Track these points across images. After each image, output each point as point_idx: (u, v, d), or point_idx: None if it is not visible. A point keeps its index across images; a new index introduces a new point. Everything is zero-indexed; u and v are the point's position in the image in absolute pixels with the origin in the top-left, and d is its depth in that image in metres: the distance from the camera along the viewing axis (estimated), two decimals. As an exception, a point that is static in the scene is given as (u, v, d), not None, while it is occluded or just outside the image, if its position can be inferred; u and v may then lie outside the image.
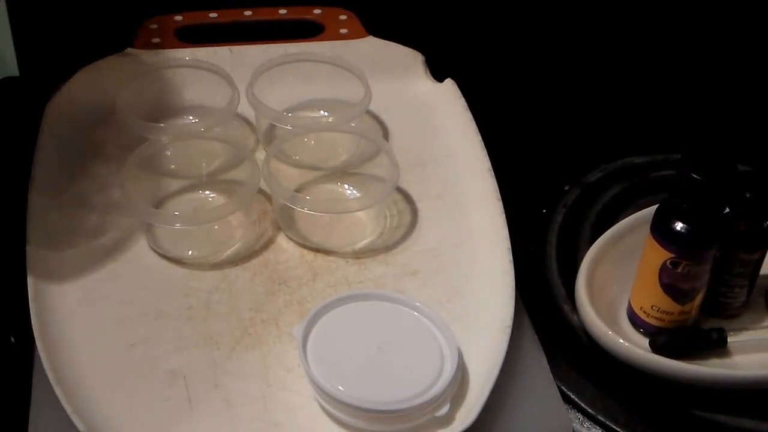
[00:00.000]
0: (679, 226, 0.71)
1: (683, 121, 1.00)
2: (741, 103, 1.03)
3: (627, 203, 0.88)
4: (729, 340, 0.74)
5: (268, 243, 0.79)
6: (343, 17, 0.97)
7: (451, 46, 1.01)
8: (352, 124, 0.86)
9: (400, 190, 0.84)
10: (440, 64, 0.94)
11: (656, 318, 0.75)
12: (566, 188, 0.90)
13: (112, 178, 0.82)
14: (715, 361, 0.74)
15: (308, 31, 0.96)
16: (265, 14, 0.96)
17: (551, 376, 0.72)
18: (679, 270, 0.72)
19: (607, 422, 0.72)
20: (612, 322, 0.76)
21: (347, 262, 0.78)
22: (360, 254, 0.79)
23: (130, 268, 0.76)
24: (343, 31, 0.95)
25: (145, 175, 0.82)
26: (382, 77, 0.90)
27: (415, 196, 0.84)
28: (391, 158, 0.80)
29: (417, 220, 0.82)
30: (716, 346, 0.74)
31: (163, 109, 0.89)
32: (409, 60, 0.94)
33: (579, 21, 1.05)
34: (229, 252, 0.78)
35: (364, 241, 0.80)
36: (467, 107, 0.89)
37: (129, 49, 0.92)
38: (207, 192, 0.83)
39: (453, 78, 0.93)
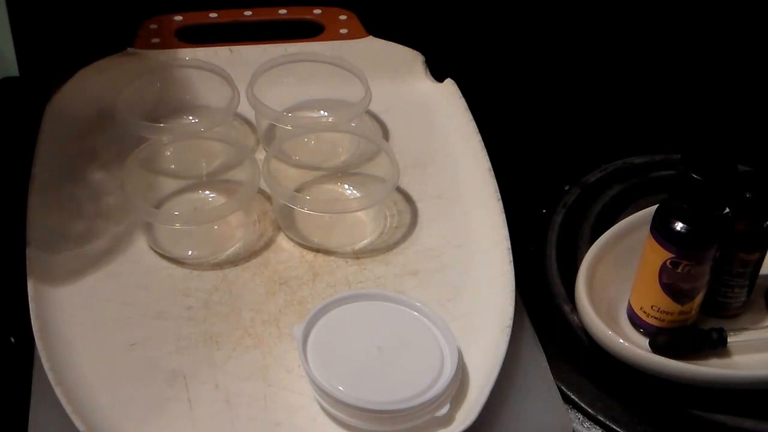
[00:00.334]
0: (679, 226, 0.71)
1: (683, 121, 1.00)
2: (741, 103, 1.03)
3: (627, 203, 0.88)
4: (729, 340, 0.74)
5: (268, 243, 0.79)
6: (343, 17, 0.97)
7: (451, 46, 1.01)
8: (352, 124, 0.86)
9: (400, 190, 0.84)
10: (440, 64, 0.94)
11: (656, 318, 0.75)
12: (566, 188, 0.91)
13: (112, 178, 0.82)
14: (715, 361, 0.74)
15: (308, 31, 0.96)
16: (265, 14, 0.96)
17: (551, 376, 0.72)
18: (679, 270, 0.72)
19: (607, 422, 0.72)
20: (612, 322, 0.76)
21: (347, 262, 0.78)
22: (360, 254, 0.79)
23: (130, 268, 0.77)
24: (343, 31, 0.95)
25: (145, 175, 0.82)
26: (382, 77, 0.90)
27: (415, 196, 0.84)
28: (391, 158, 0.80)
29: (417, 220, 0.82)
30: (716, 346, 0.74)
31: (163, 109, 0.89)
32: (409, 60, 0.94)
33: (579, 21, 1.05)
34: (229, 252, 0.78)
35: (364, 241, 0.80)
36: (467, 107, 0.89)
37: (129, 49, 0.92)
38: (207, 192, 0.83)
39: (453, 78, 0.93)
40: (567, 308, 0.79)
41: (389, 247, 0.80)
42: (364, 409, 0.65)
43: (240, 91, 0.85)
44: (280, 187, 0.78)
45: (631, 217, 0.82)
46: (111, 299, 0.74)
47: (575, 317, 0.78)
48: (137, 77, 0.87)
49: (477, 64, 1.01)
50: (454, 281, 0.77)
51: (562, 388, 0.73)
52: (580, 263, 0.79)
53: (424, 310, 0.71)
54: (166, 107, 0.89)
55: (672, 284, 0.73)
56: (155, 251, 0.78)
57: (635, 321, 0.76)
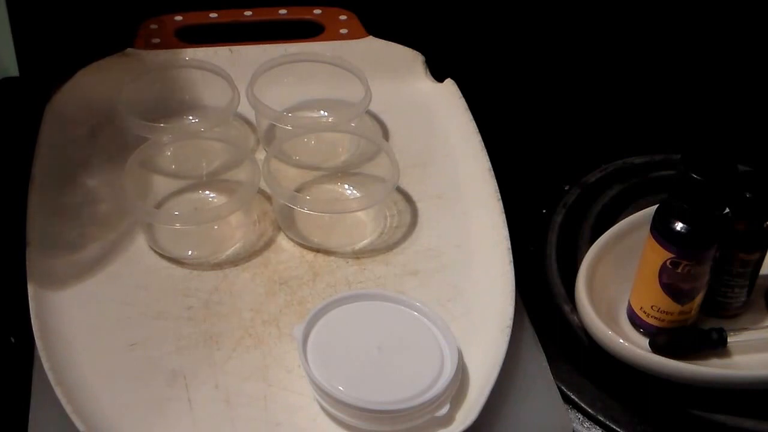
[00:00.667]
0: (679, 226, 0.71)
1: (683, 121, 1.00)
2: (741, 103, 1.03)
3: (627, 203, 0.88)
4: (729, 340, 0.74)
5: (269, 243, 0.79)
6: (343, 17, 0.97)
7: (451, 47, 1.01)
8: (352, 124, 0.86)
9: (400, 190, 0.84)
10: (440, 64, 0.94)
11: (656, 318, 0.75)
12: (566, 188, 0.91)
13: (112, 179, 0.82)
14: (715, 361, 0.74)
15: (308, 31, 0.96)
16: (265, 14, 0.96)
17: (551, 376, 0.72)
18: (679, 270, 0.72)
19: (607, 422, 0.72)
20: (612, 322, 0.76)
21: (347, 262, 0.78)
22: (360, 254, 0.79)
23: (130, 268, 0.76)
24: (343, 31, 0.95)
25: (146, 175, 0.82)
26: (382, 77, 0.90)
27: (415, 196, 0.84)
28: (391, 158, 0.80)
29: (417, 220, 0.82)
30: (716, 346, 0.74)
31: (163, 109, 0.89)
32: (409, 60, 0.94)
33: (579, 21, 1.05)
34: (229, 252, 0.78)
35: (364, 241, 0.80)
36: (467, 107, 0.89)
37: (129, 49, 0.92)
38: (207, 192, 0.83)
39: (453, 78, 0.93)
40: (567, 308, 0.79)
41: (389, 247, 0.80)
42: (364, 409, 0.65)
43: (240, 91, 0.85)
44: (280, 187, 0.78)
45: (631, 217, 0.82)
46: (111, 299, 0.74)
47: (575, 317, 0.78)
48: (137, 77, 0.87)
49: (477, 64, 1.01)
50: (454, 281, 0.77)
51: (562, 388, 0.73)
52: (580, 263, 0.79)
53: (424, 310, 0.71)
54: (166, 107, 0.89)
55: (672, 284, 0.73)
56: (155, 251, 0.78)
57: (635, 321, 0.76)
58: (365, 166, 0.86)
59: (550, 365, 0.72)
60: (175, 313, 0.73)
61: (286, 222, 0.80)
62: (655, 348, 0.74)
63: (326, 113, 0.91)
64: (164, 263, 0.77)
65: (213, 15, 0.96)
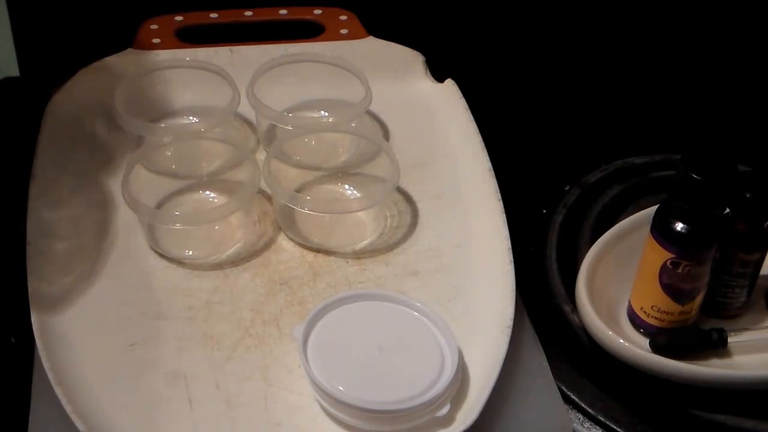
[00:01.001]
0: (679, 226, 0.71)
1: (683, 121, 1.00)
2: (741, 103, 1.03)
3: (627, 203, 0.88)
4: (729, 340, 0.74)
5: (269, 243, 0.79)
6: (343, 17, 0.97)
7: (452, 47, 1.01)
8: (353, 125, 0.86)
9: (400, 191, 0.84)
10: (440, 65, 0.94)
11: (656, 318, 0.75)
12: (566, 188, 0.91)
13: (112, 179, 0.82)
14: (715, 361, 0.74)
15: (308, 31, 0.96)
16: (266, 14, 0.96)
17: (551, 376, 0.72)
18: (680, 270, 0.72)
19: (608, 422, 0.72)
20: (612, 323, 0.76)
21: (347, 262, 0.78)
22: (360, 254, 0.79)
23: (131, 268, 0.77)
24: (344, 31, 0.95)
25: (146, 175, 0.82)
26: (382, 77, 0.90)
27: (415, 197, 0.84)
28: (392, 158, 0.80)
29: (417, 220, 0.82)
30: (716, 346, 0.74)
31: (163, 109, 0.89)
32: (409, 60, 0.94)
33: (579, 21, 1.05)
34: (229, 252, 0.78)
35: (365, 242, 0.80)
36: (467, 107, 0.89)
37: (129, 50, 0.92)
38: (207, 192, 0.83)
39: (453, 78, 0.93)
40: (567, 308, 0.79)
41: (390, 248, 0.80)
42: (364, 410, 0.65)
43: (240, 92, 0.85)
44: (281, 187, 0.78)
45: (631, 217, 0.82)
46: (111, 299, 0.74)
47: (575, 317, 0.78)
48: (137, 77, 0.87)
49: (477, 64, 1.01)
50: (454, 281, 0.77)
51: (563, 388, 0.73)
52: (581, 263, 0.79)
53: (424, 311, 0.71)
54: (167, 107, 0.89)
55: (672, 284, 0.73)
56: (156, 251, 0.78)
57: (635, 321, 0.76)
58: (365, 167, 0.86)
59: (550, 365, 0.72)
60: (176, 313, 0.73)
61: (287, 222, 0.80)
62: (656, 348, 0.74)
63: (326, 113, 0.91)
64: (164, 263, 0.77)
65: (213, 15, 0.96)
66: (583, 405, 0.73)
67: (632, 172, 0.92)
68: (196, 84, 0.89)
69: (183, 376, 0.69)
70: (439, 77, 0.94)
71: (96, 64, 0.90)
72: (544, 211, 0.88)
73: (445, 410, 0.66)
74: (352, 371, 0.67)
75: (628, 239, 0.80)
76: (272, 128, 0.87)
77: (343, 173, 0.86)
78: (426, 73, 0.94)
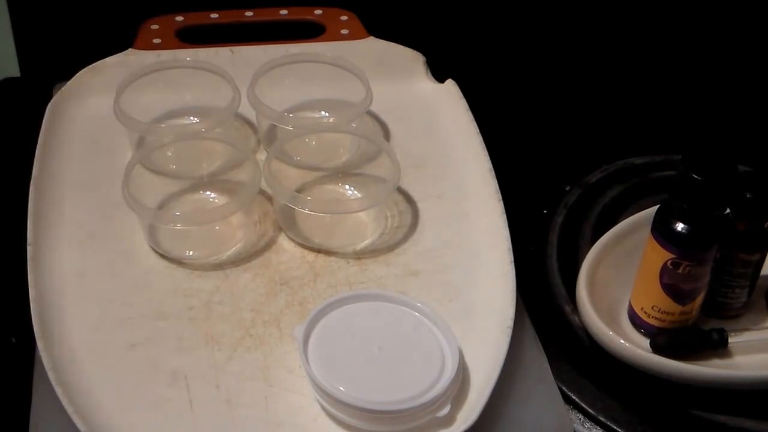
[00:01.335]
0: (679, 226, 0.71)
1: (683, 121, 1.00)
2: (741, 103, 1.03)
3: (627, 204, 0.88)
4: (730, 340, 0.74)
5: (269, 243, 0.79)
6: (344, 18, 0.97)
7: (452, 47, 1.01)
8: (353, 125, 0.86)
9: (401, 191, 0.84)
10: (441, 65, 0.94)
11: (657, 318, 0.75)
12: (567, 189, 0.91)
13: (112, 179, 0.81)
14: (715, 361, 0.74)
15: (309, 31, 0.96)
16: (266, 15, 0.96)
17: (552, 376, 0.72)
18: (680, 270, 0.72)
19: (608, 423, 0.72)
20: (613, 323, 0.76)
21: (348, 262, 0.78)
22: (361, 255, 0.79)
23: (131, 268, 0.76)
24: (344, 31, 0.95)
25: (146, 176, 0.82)
26: (383, 78, 0.90)
27: (416, 197, 0.84)
28: (392, 159, 0.80)
29: (418, 220, 0.82)
30: (717, 346, 0.74)
31: (164, 109, 0.89)
32: (410, 61, 0.94)
33: (579, 22, 1.05)
34: (230, 252, 0.78)
35: (365, 242, 0.80)
36: (468, 108, 0.89)
37: (130, 50, 0.92)
38: (208, 192, 0.83)
39: (454, 79, 0.93)
40: (568, 308, 0.79)
41: (390, 248, 0.80)
42: (365, 410, 0.65)
43: (241, 92, 0.85)
44: (281, 187, 0.78)
45: (631, 217, 0.82)
46: (112, 299, 0.74)
47: (576, 317, 0.78)
48: (138, 78, 0.86)
49: (478, 64, 1.01)
50: (454, 282, 0.77)
51: (563, 388, 0.73)
52: (581, 264, 0.79)
53: (425, 311, 0.71)
54: (167, 108, 0.89)
55: (673, 285, 0.73)
56: (156, 252, 0.78)
57: (636, 321, 0.77)
58: (366, 167, 0.86)
59: (550, 365, 0.72)
60: (176, 314, 0.73)
61: (287, 222, 0.80)
62: (656, 348, 0.74)
63: (327, 114, 0.91)
64: (165, 263, 0.77)
65: (214, 15, 0.96)
66: (583, 405, 0.73)
67: (633, 173, 0.92)
68: (197, 84, 0.89)
69: (183, 377, 0.69)
70: (440, 77, 0.94)
71: (97, 65, 0.90)
72: (545, 211, 0.88)
73: (445, 410, 0.66)
74: (352, 371, 0.67)
75: (628, 239, 0.80)
76: (273, 128, 0.87)
77: (343, 173, 0.86)
78: (427, 73, 0.94)
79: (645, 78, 1.05)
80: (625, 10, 1.05)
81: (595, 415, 0.72)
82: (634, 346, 0.73)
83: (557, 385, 0.72)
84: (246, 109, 0.85)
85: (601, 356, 0.74)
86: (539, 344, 0.74)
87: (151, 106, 0.88)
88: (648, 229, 0.73)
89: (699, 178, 0.69)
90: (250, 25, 0.96)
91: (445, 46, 0.98)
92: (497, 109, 0.92)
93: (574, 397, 0.73)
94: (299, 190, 0.83)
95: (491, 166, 0.83)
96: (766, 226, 0.74)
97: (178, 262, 0.77)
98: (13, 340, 0.75)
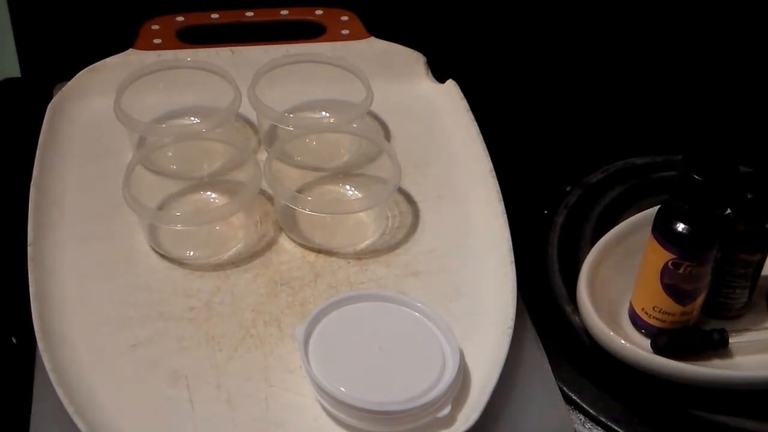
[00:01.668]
0: (680, 227, 0.71)
1: (684, 122, 1.00)
2: (742, 103, 1.03)
3: (628, 204, 0.88)
4: (730, 341, 0.74)
5: (270, 244, 0.79)
6: (344, 18, 0.97)
7: (453, 47, 1.01)
8: (354, 125, 0.86)
9: (401, 191, 0.84)
10: (442, 65, 0.94)
11: (658, 319, 0.75)
12: (568, 189, 0.91)
13: (113, 179, 0.81)
14: (716, 362, 0.74)
15: (310, 31, 0.96)
16: (267, 15, 0.96)
17: (552, 376, 0.72)
18: (681, 271, 0.72)
19: (609, 423, 0.72)
20: (613, 323, 0.76)
21: (349, 262, 0.78)
22: (362, 255, 0.79)
23: (132, 268, 0.76)
24: (345, 32, 0.95)
25: (147, 176, 0.82)
26: (383, 78, 0.90)
27: (416, 197, 0.84)
28: (393, 159, 0.80)
29: (418, 221, 0.82)
30: (718, 347, 0.74)
31: (164, 109, 0.89)
32: (410, 61, 0.94)
33: (580, 22, 1.05)
34: (230, 253, 0.78)
35: (366, 242, 0.80)
36: (469, 108, 0.89)
37: (130, 50, 0.92)
38: (209, 193, 0.83)
39: (455, 79, 0.93)
40: (568, 309, 0.79)
41: (391, 248, 0.80)
42: (365, 410, 0.65)
43: (242, 92, 0.85)
44: (282, 187, 0.78)
45: (632, 218, 0.82)
46: (112, 300, 0.74)
47: (577, 318, 0.78)
48: (139, 78, 0.86)
49: (479, 65, 1.01)
50: (455, 282, 0.77)
51: (564, 388, 0.73)
52: (582, 264, 0.79)
53: (425, 311, 0.71)
54: (168, 108, 0.89)
55: (673, 285, 0.73)
56: (157, 252, 0.78)
57: (637, 322, 0.76)
58: (367, 167, 0.86)
59: (551, 366, 0.72)
60: (177, 314, 0.73)
61: (288, 223, 0.80)
62: (657, 349, 0.74)
63: (328, 114, 0.91)
64: (166, 264, 0.77)
65: (214, 16, 0.96)
66: (584, 405, 0.73)
67: (633, 173, 0.92)
68: (198, 84, 0.89)
69: (184, 377, 0.69)
70: (441, 78, 0.94)
71: (97, 65, 0.90)
72: (546, 211, 0.88)
73: (446, 411, 0.66)
74: (353, 372, 0.67)
75: (629, 240, 0.80)
76: (273, 129, 0.87)
77: (344, 174, 0.86)
78: (427, 73, 0.94)
79: (645, 78, 1.05)
80: (626, 11, 1.05)
81: (596, 415, 0.72)
82: (635, 347, 0.73)
83: (558, 385, 0.72)
84: (247, 109, 0.85)
85: (602, 356, 0.74)
86: (540, 344, 0.74)
87: (152, 107, 0.88)
88: (649, 229, 0.73)
89: (700, 178, 0.69)
90: (251, 26, 0.96)
91: (445, 47, 0.98)
92: (498, 110, 0.92)
93: (574, 397, 0.73)
94: (300, 191, 0.83)
95: (492, 166, 0.83)
96: (766, 226, 0.74)
97: (179, 262, 0.77)
98: (14, 341, 0.75)
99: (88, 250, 0.77)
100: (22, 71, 1.01)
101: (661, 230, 0.72)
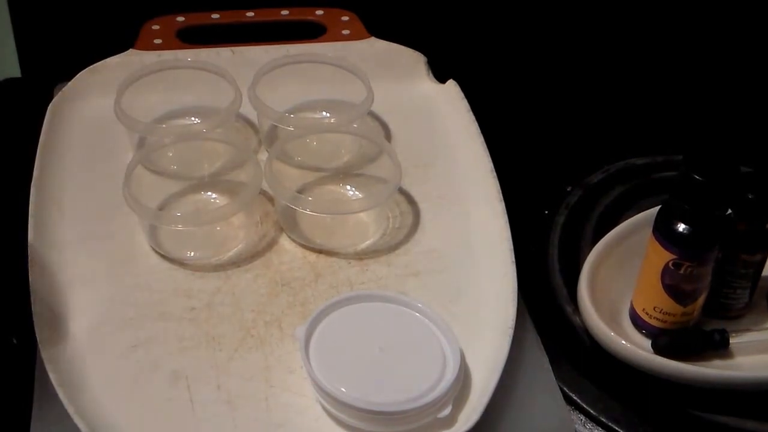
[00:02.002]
0: (681, 227, 0.71)
1: (685, 122, 1.00)
2: (742, 104, 1.03)
3: (629, 204, 0.88)
4: (731, 341, 0.74)
5: (271, 244, 0.79)
6: (345, 18, 0.97)
7: (454, 47, 1.01)
8: (354, 125, 0.86)
9: (402, 191, 0.84)
10: (442, 65, 0.94)
11: (658, 319, 0.75)
12: (568, 189, 0.91)
13: (113, 179, 0.81)
14: (717, 362, 0.74)
15: (310, 32, 0.96)
16: (267, 15, 0.96)
17: (553, 377, 0.72)
18: (682, 271, 0.72)
19: (609, 423, 0.72)
20: (614, 324, 0.76)
21: (349, 263, 0.78)
22: (362, 255, 0.79)
23: (132, 269, 0.76)
24: (345, 32, 0.95)
25: (147, 176, 0.82)
26: (384, 78, 0.90)
27: (417, 197, 0.84)
28: (393, 159, 0.80)
29: (419, 221, 0.82)
30: (718, 347, 0.74)
31: (165, 110, 0.89)
32: (411, 61, 0.94)
33: (581, 22, 1.05)
34: (231, 253, 0.78)
35: (367, 242, 0.80)
36: (469, 108, 0.89)
37: (131, 50, 0.92)
38: (209, 193, 0.83)
39: (455, 79, 0.93)
40: (569, 309, 0.79)
41: (391, 248, 0.80)
42: (366, 410, 0.65)
43: (242, 92, 0.85)
44: (283, 188, 0.78)
45: (633, 218, 0.82)
46: (113, 300, 0.74)
47: (577, 318, 0.78)
48: (139, 78, 0.86)
49: (479, 65, 1.01)
50: (456, 282, 0.77)
51: (564, 389, 0.73)
52: (583, 264, 0.79)
53: (426, 311, 0.71)
54: (168, 108, 0.89)
55: (674, 285, 0.73)
56: (157, 252, 0.78)
57: (637, 322, 0.76)
58: (367, 167, 0.86)
59: (552, 366, 0.72)
60: (177, 314, 0.73)
61: (289, 223, 0.80)
62: (658, 349, 0.74)
63: (328, 114, 0.91)
64: (166, 264, 0.77)
65: (215, 16, 0.96)
66: (584, 406, 0.73)
67: (634, 173, 0.92)
68: (198, 85, 0.89)
69: (185, 377, 0.69)
70: (441, 78, 0.94)
71: (97, 65, 0.90)
72: (546, 211, 0.88)
73: (447, 411, 0.66)
74: (354, 372, 0.67)
75: (629, 240, 0.80)
76: (274, 129, 0.87)
77: (344, 174, 0.86)
78: (428, 73, 0.94)
79: (646, 78, 1.05)
80: (626, 11, 1.05)
81: (597, 415, 0.72)
82: (636, 347, 0.73)
83: (558, 385, 0.72)
84: (247, 109, 0.85)
85: (603, 357, 0.74)
86: (540, 345, 0.74)
87: (152, 107, 0.88)
88: (649, 229, 0.73)
89: (700, 178, 0.69)
90: (251, 26, 0.96)
91: (446, 47, 0.98)
92: (499, 110, 0.92)
93: (575, 397, 0.73)
94: (300, 191, 0.83)
95: (492, 166, 0.83)
96: (767, 226, 0.74)
97: (179, 262, 0.77)
98: (14, 341, 0.75)
99: (88, 250, 0.77)
100: (22, 71, 1.01)
101: (662, 230, 0.72)
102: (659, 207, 0.73)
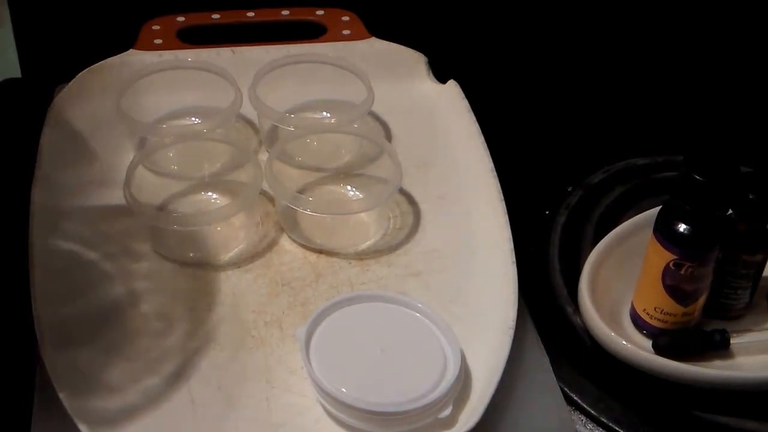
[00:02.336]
0: (682, 227, 0.71)
1: (686, 122, 1.00)
2: (743, 104, 1.03)
3: (630, 205, 0.88)
4: (732, 341, 0.74)
5: (271, 244, 0.79)
6: (345, 18, 0.97)
7: (454, 48, 1.01)
8: (355, 126, 0.86)
9: (402, 192, 0.84)
10: (443, 65, 0.94)
11: (659, 319, 0.75)
12: (569, 189, 0.90)
13: (114, 180, 0.81)
14: (717, 362, 0.74)
15: (311, 32, 0.96)
16: (268, 15, 0.96)
17: (554, 377, 0.72)
18: (682, 271, 0.72)
19: (610, 423, 0.72)
20: (615, 324, 0.76)
21: (350, 263, 0.78)
22: (363, 255, 0.79)
23: (133, 269, 0.76)
24: (346, 32, 0.95)
25: (148, 177, 0.82)
26: (384, 78, 0.90)
27: (417, 198, 0.84)
28: (394, 159, 0.80)
29: (420, 221, 0.82)
30: (719, 347, 0.74)
31: (165, 110, 0.89)
32: (411, 61, 0.94)
33: (581, 22, 1.05)
34: (231, 253, 0.78)
35: (367, 243, 0.80)
36: (470, 108, 0.89)
37: (131, 50, 0.92)
38: (209, 193, 0.83)
39: (456, 79, 0.93)
40: (570, 310, 0.79)
41: (392, 249, 0.80)
42: (366, 411, 0.65)
43: (242, 92, 0.85)
44: (283, 188, 0.78)
45: (633, 218, 0.82)
46: (113, 300, 0.74)
47: (578, 319, 0.78)
48: (139, 78, 0.87)
49: (480, 65, 1.01)
50: (456, 282, 0.77)
51: (565, 389, 0.73)
52: (583, 265, 0.79)
53: (426, 312, 0.71)
54: (169, 108, 0.89)
55: (675, 286, 0.73)
56: (158, 253, 0.78)
57: (638, 322, 0.76)
58: (368, 168, 0.86)
59: (552, 366, 0.72)
60: (178, 315, 0.73)
61: (289, 223, 0.80)
62: (658, 349, 0.74)
63: (329, 114, 0.91)
64: (167, 264, 0.77)
65: (215, 16, 0.96)
66: (585, 406, 0.73)
67: (635, 174, 0.92)
68: (198, 85, 0.89)
69: (185, 377, 0.69)
70: (442, 78, 0.94)
71: (98, 65, 0.90)
72: (547, 212, 0.88)
73: (447, 412, 0.66)
74: (354, 373, 0.67)
75: (630, 240, 0.80)
76: (274, 129, 0.87)
77: (345, 174, 0.86)
78: (428, 74, 0.94)
79: (647, 79, 1.05)
80: (627, 11, 1.05)
81: (597, 416, 0.72)
82: (636, 347, 0.73)
83: (559, 385, 0.72)
84: (247, 109, 0.85)
85: (603, 357, 0.74)
86: (541, 345, 0.74)
87: (153, 107, 0.88)
88: (650, 230, 0.73)
89: (701, 178, 0.69)
90: (252, 26, 0.96)
91: (446, 47, 0.98)
92: (499, 110, 0.92)
93: (575, 398, 0.73)
94: (301, 191, 0.83)
95: (493, 166, 0.83)
96: (767, 226, 0.74)
97: (180, 262, 0.77)
98: (15, 342, 0.75)
99: (88, 251, 0.77)
100: (22, 72, 1.01)
101: (663, 231, 0.72)
102: (660, 207, 0.73)
